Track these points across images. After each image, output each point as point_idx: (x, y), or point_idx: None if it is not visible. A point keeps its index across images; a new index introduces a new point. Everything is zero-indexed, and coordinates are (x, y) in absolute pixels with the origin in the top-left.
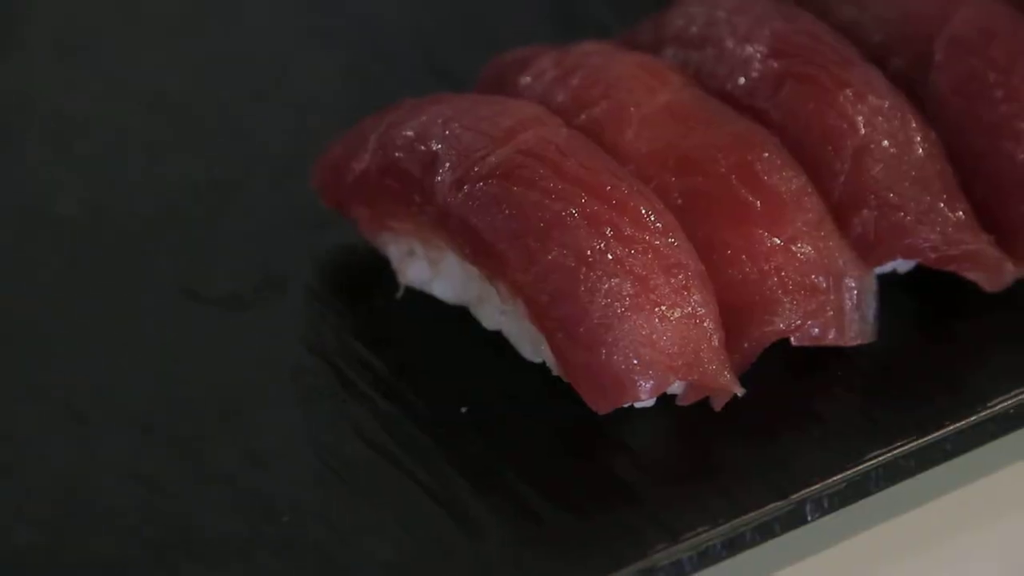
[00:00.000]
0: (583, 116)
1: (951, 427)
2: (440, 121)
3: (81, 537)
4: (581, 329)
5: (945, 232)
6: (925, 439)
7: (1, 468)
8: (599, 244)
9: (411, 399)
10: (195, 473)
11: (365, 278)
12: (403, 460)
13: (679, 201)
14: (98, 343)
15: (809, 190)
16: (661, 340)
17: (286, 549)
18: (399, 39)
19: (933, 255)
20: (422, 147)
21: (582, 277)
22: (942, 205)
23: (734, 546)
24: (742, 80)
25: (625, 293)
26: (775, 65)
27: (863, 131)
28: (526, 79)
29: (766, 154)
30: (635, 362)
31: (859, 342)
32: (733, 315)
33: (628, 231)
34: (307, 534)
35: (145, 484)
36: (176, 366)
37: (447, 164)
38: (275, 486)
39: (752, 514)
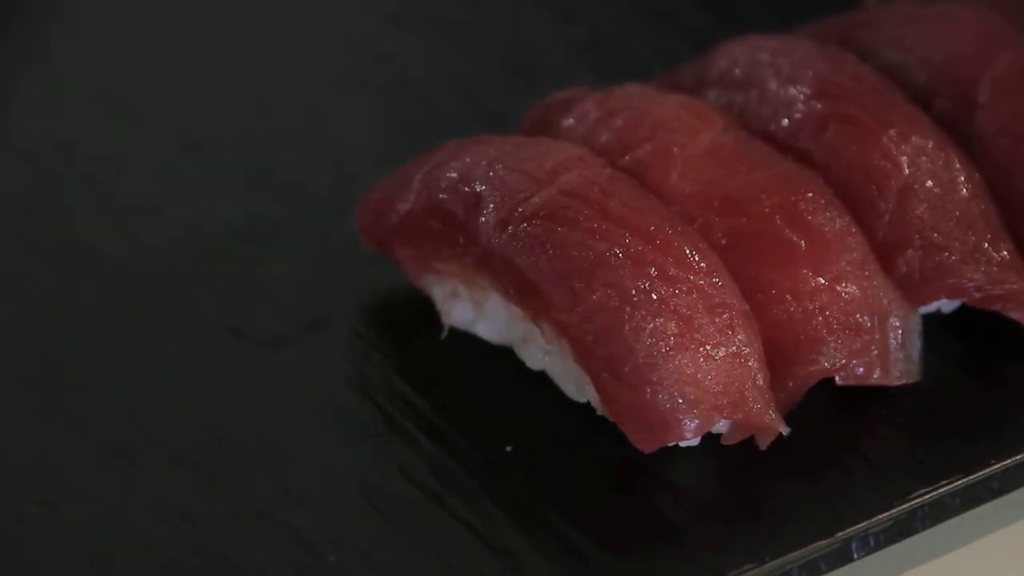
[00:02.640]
0: (627, 157)
1: (997, 466)
2: (484, 163)
3: (120, 573)
4: (626, 368)
5: (990, 272)
6: (971, 478)
7: (42, 503)
8: (643, 284)
9: (455, 438)
10: (238, 511)
11: (409, 319)
12: (446, 499)
13: (723, 241)
14: (141, 382)
15: (853, 230)
16: (706, 379)
17: None
18: (440, 82)
19: (978, 295)
20: (466, 188)
21: (627, 317)
22: (986, 245)
23: None
24: (785, 122)
25: (670, 333)
26: (818, 107)
27: (907, 171)
28: (569, 121)
29: (810, 194)
30: (680, 401)
31: (904, 381)
32: (778, 354)
33: (672, 271)
34: (349, 571)
35: (188, 521)
36: (220, 404)
37: (491, 205)
38: (318, 524)
39: (798, 552)
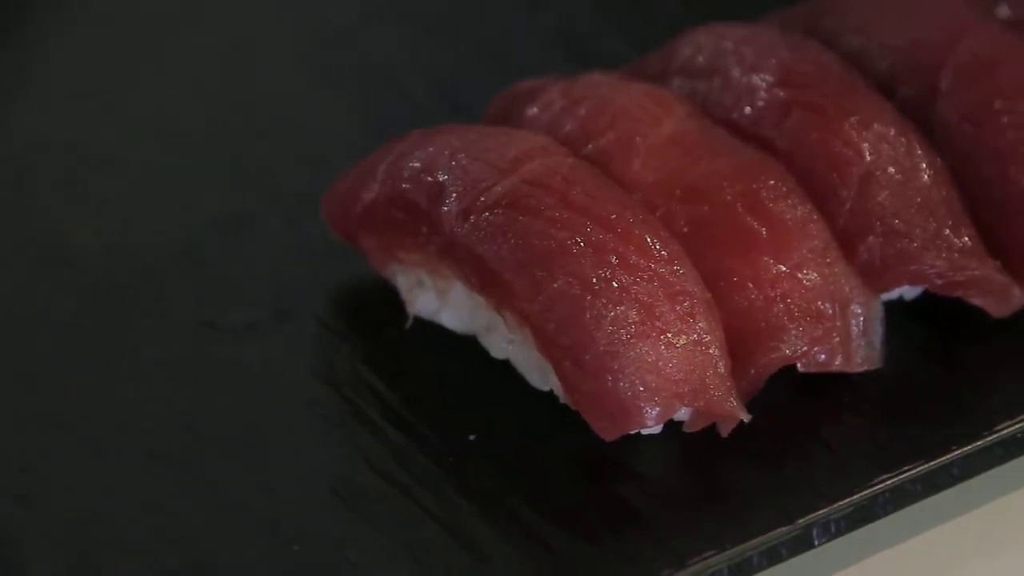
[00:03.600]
0: (590, 146)
1: (958, 452)
2: (447, 152)
3: (95, 566)
4: (587, 356)
5: (951, 258)
6: (932, 464)
7: (17, 498)
8: (604, 272)
9: (420, 428)
10: (208, 501)
11: (376, 309)
12: (412, 488)
13: (685, 229)
14: (113, 374)
15: (815, 217)
16: (667, 367)
17: None
18: (412, 73)
19: (939, 281)
20: (428, 178)
21: (587, 305)
22: (948, 231)
23: (741, 571)
24: (748, 109)
25: (631, 320)
26: (781, 94)
27: (868, 158)
28: (533, 110)
29: (771, 182)
30: (641, 389)
31: (865, 368)
32: (739, 342)
33: (633, 259)
34: (318, 562)
35: (159, 512)
36: (190, 396)
37: (453, 195)
38: (286, 514)
39: (759, 539)
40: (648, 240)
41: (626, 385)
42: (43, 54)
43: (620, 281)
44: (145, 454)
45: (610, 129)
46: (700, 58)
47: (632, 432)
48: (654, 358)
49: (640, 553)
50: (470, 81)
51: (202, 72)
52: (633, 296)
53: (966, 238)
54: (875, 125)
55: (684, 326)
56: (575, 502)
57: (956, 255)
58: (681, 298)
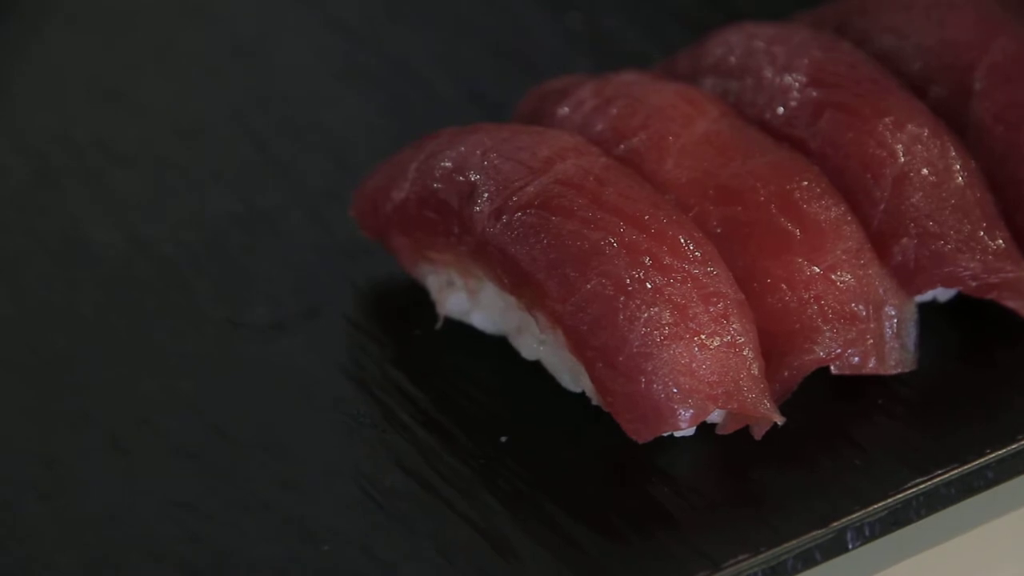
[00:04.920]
0: (622, 146)
1: (992, 455)
2: (479, 152)
3: (121, 564)
4: (620, 358)
5: (985, 260)
6: (966, 467)
7: (41, 496)
8: (638, 273)
9: (450, 428)
10: (235, 500)
11: (405, 308)
12: (442, 489)
13: (719, 230)
14: (139, 372)
15: (849, 218)
16: (701, 369)
17: None
18: (437, 70)
19: (974, 283)
20: (460, 177)
21: (621, 306)
22: (982, 233)
23: (775, 574)
24: (781, 109)
25: (664, 322)
26: (814, 94)
27: (902, 159)
28: (564, 109)
29: (805, 183)
30: (675, 391)
31: (899, 370)
32: (773, 343)
33: (667, 260)
34: (346, 562)
35: (185, 510)
36: (217, 394)
37: (485, 195)
38: (315, 514)
39: (793, 542)
40: (682, 241)
41: (659, 387)
42: (66, 52)
43: (654, 282)
44: (168, 450)
45: (642, 129)
46: (732, 58)
47: (664, 434)
48: (688, 360)
49: (673, 556)
50: (497, 79)
51: (227, 69)
52: (667, 297)
53: (1000, 240)
54: (909, 126)
55: (718, 328)
56: (607, 504)
57: (990, 257)
58: (715, 299)
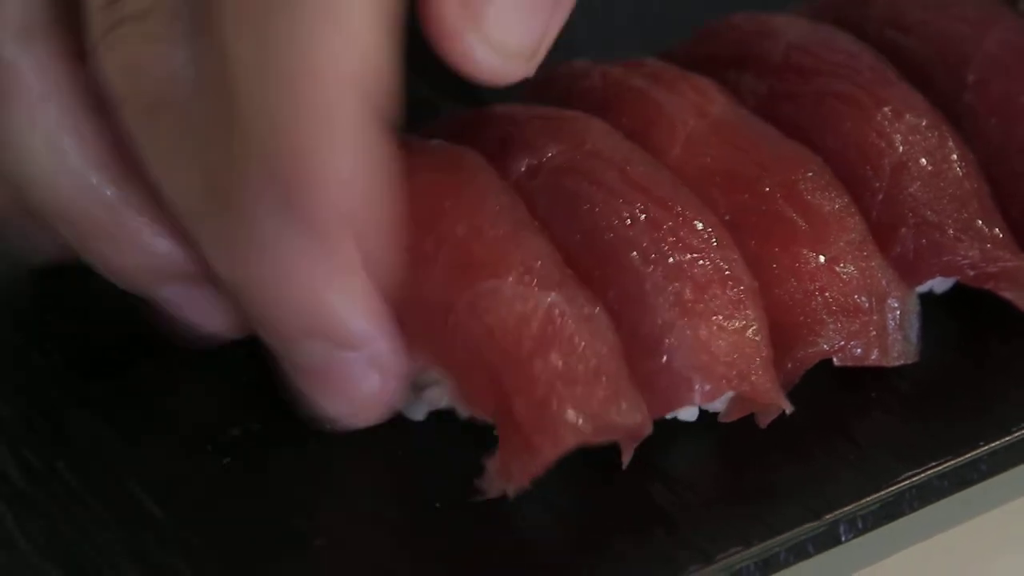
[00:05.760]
0: (630, 132)
1: (985, 447)
2: (511, 117)
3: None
4: (645, 329)
5: (983, 249)
6: (959, 460)
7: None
8: (663, 248)
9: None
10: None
11: None
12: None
13: (727, 218)
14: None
15: (852, 210)
16: (718, 348)
17: None
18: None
19: (972, 272)
20: (492, 132)
21: (647, 278)
22: (980, 223)
23: (768, 567)
24: (780, 100)
25: (686, 298)
26: (813, 84)
27: (901, 149)
28: (575, 94)
29: (810, 174)
30: (694, 365)
31: (902, 362)
32: (778, 335)
33: (690, 240)
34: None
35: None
36: (224, 398)
37: (519, 150)
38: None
39: (786, 535)
40: (702, 225)
41: (680, 360)
42: None
43: (677, 259)
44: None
45: (650, 116)
46: (731, 48)
47: (668, 417)
48: (707, 337)
49: (666, 549)
50: None
51: None
52: (689, 275)
53: (997, 230)
54: (907, 116)
55: (735, 311)
56: (599, 496)
57: (989, 246)
58: (732, 284)
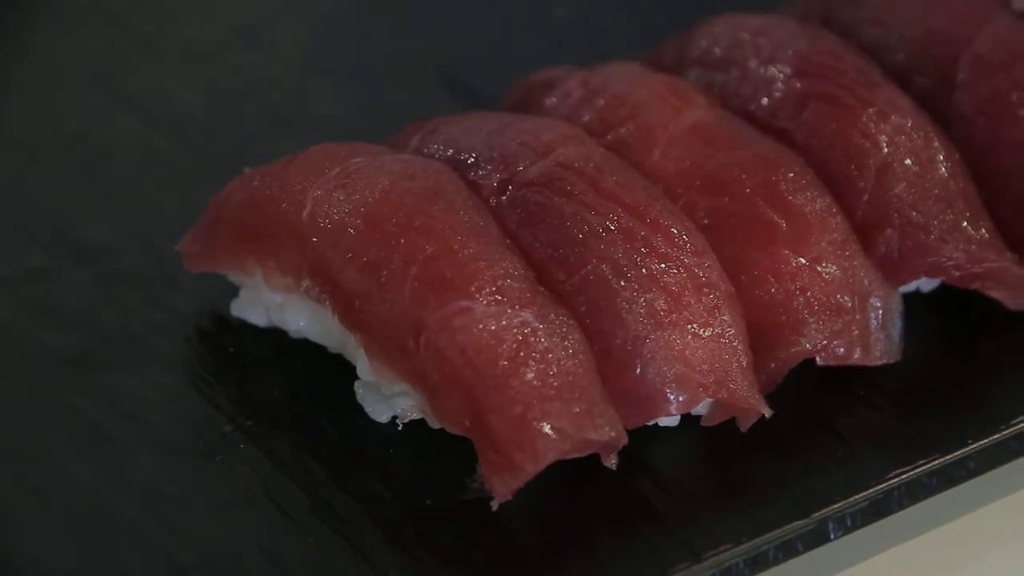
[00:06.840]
0: (609, 137)
1: (973, 445)
2: (483, 131)
3: (107, 556)
4: (617, 342)
5: (969, 250)
6: (947, 458)
7: (28, 489)
8: (635, 259)
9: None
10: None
11: None
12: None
13: (705, 221)
14: (128, 363)
15: (834, 210)
16: (693, 357)
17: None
18: (422, 64)
19: (957, 273)
20: (462, 154)
21: (618, 290)
22: (965, 224)
23: (757, 565)
24: (766, 100)
25: (659, 308)
26: (798, 85)
27: (886, 150)
28: (552, 100)
29: (791, 174)
30: (668, 377)
31: (884, 361)
32: (759, 335)
33: (662, 249)
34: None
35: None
36: (206, 387)
37: (489, 167)
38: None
39: (774, 532)
40: (676, 232)
41: (653, 372)
42: (50, 44)
43: (649, 269)
44: (154, 443)
45: (629, 119)
46: (717, 49)
47: (649, 423)
48: (681, 347)
49: (655, 547)
50: (482, 70)
51: (208, 62)
52: (662, 285)
53: (983, 230)
54: (892, 117)
55: (710, 318)
56: (589, 494)
57: (973, 247)
58: (707, 290)
